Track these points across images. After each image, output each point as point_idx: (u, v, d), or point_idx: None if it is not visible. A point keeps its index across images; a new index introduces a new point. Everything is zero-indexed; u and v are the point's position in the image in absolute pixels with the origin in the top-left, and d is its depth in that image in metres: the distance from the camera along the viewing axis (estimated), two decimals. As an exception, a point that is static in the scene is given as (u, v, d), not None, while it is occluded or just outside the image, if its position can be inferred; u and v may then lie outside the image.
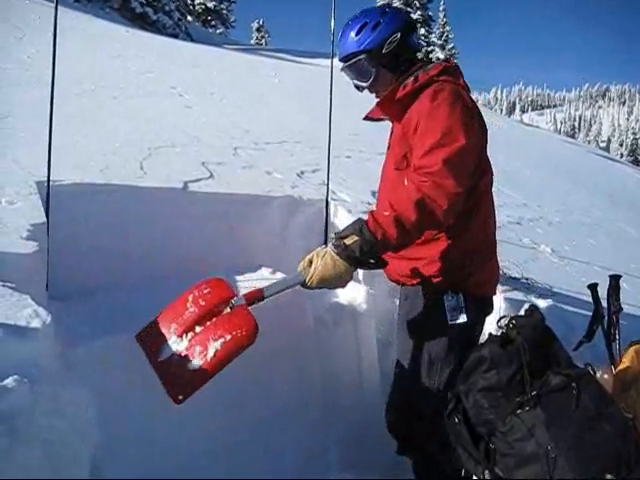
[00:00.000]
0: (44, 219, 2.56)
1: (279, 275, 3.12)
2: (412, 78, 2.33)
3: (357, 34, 2.38)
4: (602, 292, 2.99)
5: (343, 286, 2.15)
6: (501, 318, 2.12)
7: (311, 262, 2.12)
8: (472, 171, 2.21)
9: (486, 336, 2.16)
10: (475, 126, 2.23)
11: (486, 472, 1.97)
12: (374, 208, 2.56)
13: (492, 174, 2.49)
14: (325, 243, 3.75)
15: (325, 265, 2.08)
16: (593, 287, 3.00)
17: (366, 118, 2.63)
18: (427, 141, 2.13)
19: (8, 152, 3.44)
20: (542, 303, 3.54)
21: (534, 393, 1.89)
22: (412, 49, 2.46)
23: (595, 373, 2.06)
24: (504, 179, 7.87)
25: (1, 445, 1.26)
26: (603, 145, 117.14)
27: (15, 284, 1.88)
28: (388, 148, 2.53)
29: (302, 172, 4.78)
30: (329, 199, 3.84)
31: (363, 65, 2.40)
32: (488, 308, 2.45)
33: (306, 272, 2.12)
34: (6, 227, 2.33)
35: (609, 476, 1.72)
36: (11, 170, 3.09)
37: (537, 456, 1.82)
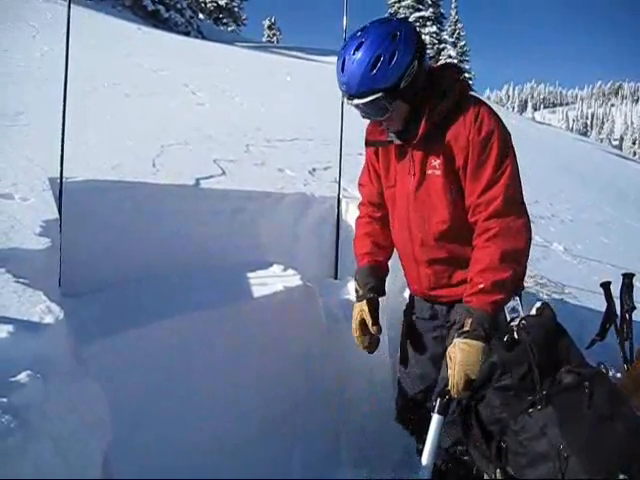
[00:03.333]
0: (57, 215, 2.57)
1: (290, 272, 3.12)
2: (445, 100, 2.20)
3: (372, 70, 2.11)
4: (615, 291, 2.97)
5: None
6: (512, 319, 2.10)
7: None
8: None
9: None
10: (511, 144, 2.25)
11: (497, 471, 1.96)
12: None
13: None
14: (337, 241, 3.75)
15: (462, 353, 2.08)
16: (606, 285, 2.99)
17: (370, 144, 2.48)
18: (483, 178, 2.16)
19: (21, 149, 3.46)
20: (554, 301, 3.53)
21: (545, 392, 1.88)
22: (426, 71, 2.24)
23: (607, 372, 2.05)
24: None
25: (14, 440, 1.27)
26: (616, 143, 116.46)
27: (28, 280, 1.88)
28: (408, 173, 2.34)
29: (314, 169, 4.78)
30: (341, 196, 3.84)
31: (379, 102, 2.17)
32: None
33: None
34: (19, 223, 2.33)
35: (622, 476, 1.70)
36: (24, 167, 3.10)
37: (549, 455, 1.80)
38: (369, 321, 2.44)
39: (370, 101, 2.16)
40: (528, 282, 3.74)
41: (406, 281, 2.61)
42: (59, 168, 2.70)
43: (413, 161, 2.31)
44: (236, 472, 2.54)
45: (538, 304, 2.14)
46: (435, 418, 2.08)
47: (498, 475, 1.96)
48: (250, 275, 3.03)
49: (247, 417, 2.65)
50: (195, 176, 3.65)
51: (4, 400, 1.33)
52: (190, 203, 3.39)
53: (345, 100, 2.26)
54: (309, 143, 5.71)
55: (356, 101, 2.19)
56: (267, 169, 4.52)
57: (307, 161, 5.05)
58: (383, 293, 2.55)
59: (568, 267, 4.54)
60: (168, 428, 2.33)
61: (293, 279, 3.04)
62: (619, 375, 2.93)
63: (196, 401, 2.46)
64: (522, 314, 2.25)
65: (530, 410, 1.87)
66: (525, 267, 2.31)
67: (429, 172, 2.27)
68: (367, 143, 2.47)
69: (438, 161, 2.24)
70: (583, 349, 2.85)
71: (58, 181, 2.72)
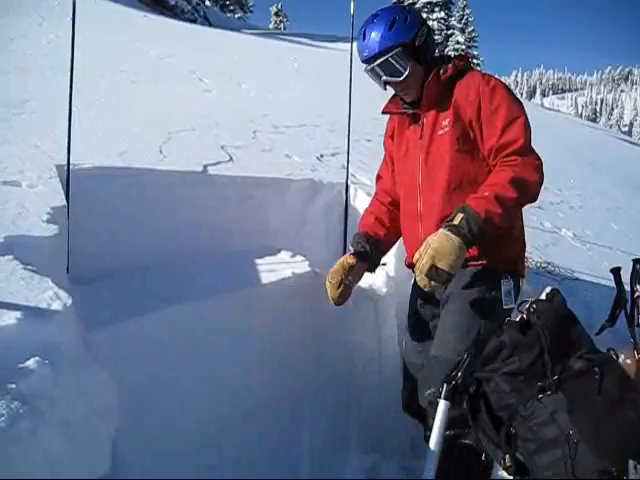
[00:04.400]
0: (64, 203, 2.56)
1: (299, 258, 3.11)
2: (450, 64, 2.42)
3: (390, 28, 2.37)
4: (625, 276, 2.95)
5: (457, 266, 2.13)
6: (522, 303, 2.09)
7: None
8: None
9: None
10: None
11: (507, 457, 1.95)
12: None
13: None
14: (345, 227, 3.74)
15: (439, 239, 2.12)
16: (616, 271, 2.97)
17: (386, 112, 2.65)
18: (499, 121, 2.28)
19: (28, 136, 3.46)
20: (564, 287, 3.51)
21: (555, 378, 1.87)
22: (433, 45, 2.51)
23: (618, 358, 2.04)
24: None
25: (24, 426, 1.27)
26: (625, 129, 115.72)
27: (36, 267, 1.88)
28: (420, 138, 2.48)
29: (322, 155, 4.77)
30: (349, 182, 3.82)
31: (398, 59, 2.38)
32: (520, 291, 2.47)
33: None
34: (27, 211, 2.33)
35: (632, 462, 1.70)
36: (31, 154, 3.10)
37: (558, 441, 1.79)
38: (345, 269, 2.48)
39: (389, 58, 2.37)
40: (538, 267, 3.72)
41: (406, 255, 2.62)
42: (66, 155, 2.68)
43: (423, 126, 2.46)
44: (244, 459, 2.55)
45: (548, 289, 2.12)
46: (441, 404, 2.04)
47: (507, 461, 1.95)
48: (258, 262, 3.03)
49: (255, 403, 2.65)
50: (202, 163, 3.64)
51: (13, 386, 1.34)
52: (197, 190, 3.38)
53: (365, 70, 2.47)
54: (316, 129, 5.69)
55: (379, 60, 2.38)
56: (274, 155, 4.51)
57: (315, 147, 5.03)
58: (374, 265, 2.60)
59: (578, 253, 4.52)
60: (176, 413, 2.33)
61: (301, 265, 3.04)
62: (629, 361, 2.91)
63: (204, 387, 2.46)
64: (514, 299, 2.25)
65: (540, 396, 1.87)
66: (520, 247, 2.46)
67: (439, 133, 2.41)
68: (384, 111, 2.65)
69: (448, 119, 2.38)
70: (593, 335, 2.84)
71: (65, 168, 2.71)
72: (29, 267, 1.87)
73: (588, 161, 11.28)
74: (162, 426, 2.26)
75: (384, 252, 2.65)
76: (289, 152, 4.62)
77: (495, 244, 2.31)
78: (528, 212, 5.08)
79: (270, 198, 3.65)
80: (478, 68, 37.77)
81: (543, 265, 3.84)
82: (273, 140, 4.97)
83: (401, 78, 2.40)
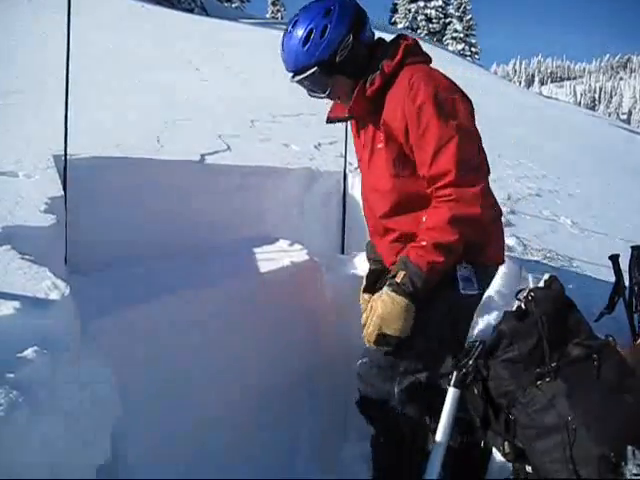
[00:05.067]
0: (62, 192, 2.56)
1: (297, 247, 3.11)
2: (378, 72, 2.15)
3: (304, 45, 2.13)
4: (624, 264, 2.95)
5: (406, 329, 2.03)
6: (520, 291, 2.08)
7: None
8: (480, 146, 2.12)
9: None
10: (459, 105, 2.09)
11: (506, 444, 1.96)
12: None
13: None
14: (343, 215, 3.74)
15: (384, 304, 2.03)
16: (614, 258, 2.96)
17: (330, 121, 2.42)
18: (429, 145, 2.03)
19: (25, 126, 3.45)
20: (562, 274, 3.50)
21: (554, 364, 1.87)
22: (367, 45, 2.21)
23: (616, 344, 2.04)
24: (524, 151, 7.78)
25: (23, 415, 1.27)
26: (624, 117, 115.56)
27: (34, 257, 1.87)
28: (363, 147, 2.33)
29: (319, 144, 4.76)
30: (347, 171, 3.82)
31: (317, 77, 2.18)
32: (493, 277, 2.38)
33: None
34: (24, 200, 2.33)
35: (630, 447, 1.70)
36: (28, 144, 3.09)
37: (557, 427, 1.80)
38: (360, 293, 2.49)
39: (308, 76, 2.16)
40: (536, 255, 3.72)
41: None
42: (63, 145, 2.68)
43: (366, 135, 2.29)
44: (242, 446, 2.57)
45: (546, 276, 2.12)
46: (451, 392, 2.00)
47: (506, 448, 1.95)
48: (256, 250, 3.03)
49: (253, 391, 2.67)
50: (200, 152, 3.64)
51: (11, 376, 1.34)
52: (195, 179, 3.38)
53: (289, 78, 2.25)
54: (313, 118, 5.67)
55: (296, 77, 2.20)
56: (272, 144, 4.50)
57: (312, 136, 5.03)
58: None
59: (576, 240, 4.51)
60: (175, 402, 2.33)
61: (299, 254, 3.03)
62: (628, 348, 2.91)
63: (203, 375, 2.47)
64: (476, 286, 2.19)
65: (539, 382, 1.87)
66: (485, 236, 2.20)
67: (378, 146, 2.22)
68: (327, 120, 2.43)
69: (382, 137, 2.18)
70: (592, 322, 2.84)
71: (62, 158, 2.70)
72: (27, 257, 1.86)
73: (587, 149, 11.26)
74: (162, 414, 2.26)
75: None
76: (287, 141, 4.61)
77: None
78: (526, 200, 5.08)
79: (268, 187, 3.65)
80: (476, 57, 37.59)
81: (543, 252, 3.83)
82: (270, 129, 4.96)
83: (324, 95, 2.25)
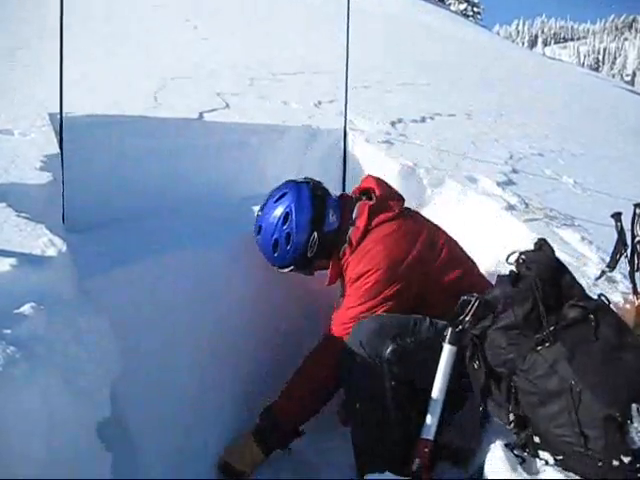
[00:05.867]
0: (58, 150, 2.53)
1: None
2: (347, 245, 2.39)
3: (274, 252, 2.43)
4: (626, 223, 2.93)
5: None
6: (510, 254, 2.04)
7: None
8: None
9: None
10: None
11: (510, 414, 1.94)
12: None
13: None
14: (344, 174, 3.70)
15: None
16: (617, 216, 2.94)
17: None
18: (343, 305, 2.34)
19: (20, 85, 3.41)
20: (563, 233, 3.48)
21: (552, 328, 1.85)
22: (332, 231, 2.44)
23: (610, 303, 2.01)
24: (526, 111, 7.71)
25: (21, 369, 1.26)
26: (628, 79, 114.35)
27: (30, 214, 1.85)
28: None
29: (319, 102, 4.72)
30: (347, 128, 3.77)
31: (296, 269, 2.51)
32: None
33: None
34: (19, 158, 2.30)
35: (635, 405, 1.69)
36: (24, 103, 3.06)
37: (561, 391, 1.78)
38: None
39: (289, 270, 2.50)
40: (537, 213, 3.70)
41: None
42: (59, 103, 2.64)
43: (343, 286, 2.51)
44: (240, 395, 2.62)
45: (535, 239, 2.09)
46: (446, 349, 2.00)
47: (510, 417, 1.93)
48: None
49: (252, 344, 2.70)
50: (198, 110, 3.60)
51: (8, 332, 1.33)
52: (193, 137, 3.35)
53: None
54: (314, 76, 5.63)
55: (279, 270, 2.53)
56: (271, 102, 4.47)
57: (312, 94, 4.98)
58: None
59: (578, 200, 4.47)
60: (174, 358, 2.34)
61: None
62: (628, 306, 2.90)
63: (201, 331, 2.47)
64: None
65: (538, 348, 1.84)
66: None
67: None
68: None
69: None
70: (593, 280, 2.83)
71: (58, 116, 2.66)
72: (23, 214, 1.85)
73: (590, 110, 11.15)
74: (160, 370, 2.27)
75: None
76: (286, 99, 4.57)
77: None
78: (528, 159, 5.04)
79: (267, 145, 3.62)
80: (480, 21, 36.97)
81: (544, 211, 3.80)
82: (270, 87, 4.92)
83: (309, 275, 2.59)
